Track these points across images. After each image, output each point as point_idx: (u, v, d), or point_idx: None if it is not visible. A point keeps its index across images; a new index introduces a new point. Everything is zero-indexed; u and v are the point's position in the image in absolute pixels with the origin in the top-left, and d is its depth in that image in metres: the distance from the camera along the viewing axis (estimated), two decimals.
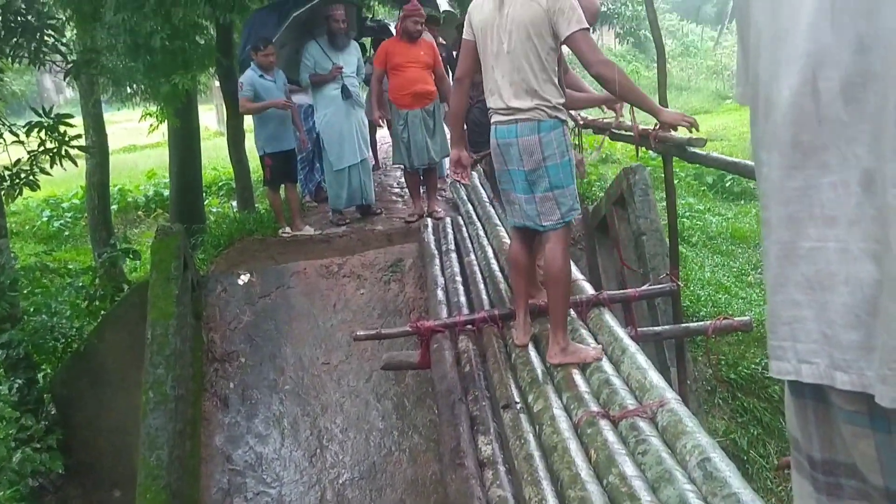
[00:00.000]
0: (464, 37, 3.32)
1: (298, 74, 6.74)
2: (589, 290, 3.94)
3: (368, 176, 6.99)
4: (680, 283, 4.15)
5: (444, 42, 8.04)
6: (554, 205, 3.19)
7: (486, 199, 6.00)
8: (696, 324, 4.23)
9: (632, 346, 3.26)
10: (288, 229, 6.87)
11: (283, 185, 6.93)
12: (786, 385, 1.25)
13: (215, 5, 7.21)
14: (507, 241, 4.97)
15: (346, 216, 7.12)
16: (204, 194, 11.31)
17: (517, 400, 3.06)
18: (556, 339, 3.23)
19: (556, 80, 3.14)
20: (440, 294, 4.50)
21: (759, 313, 6.80)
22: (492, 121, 3.27)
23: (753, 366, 6.37)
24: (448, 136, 4.83)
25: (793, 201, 1.12)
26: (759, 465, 5.72)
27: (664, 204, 6.96)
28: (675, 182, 4.34)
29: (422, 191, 6.78)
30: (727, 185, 10.94)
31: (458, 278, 4.67)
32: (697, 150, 3.34)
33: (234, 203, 10.43)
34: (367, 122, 6.89)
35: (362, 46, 7.90)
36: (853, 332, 1.06)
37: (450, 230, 5.71)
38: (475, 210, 5.97)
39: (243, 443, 5.08)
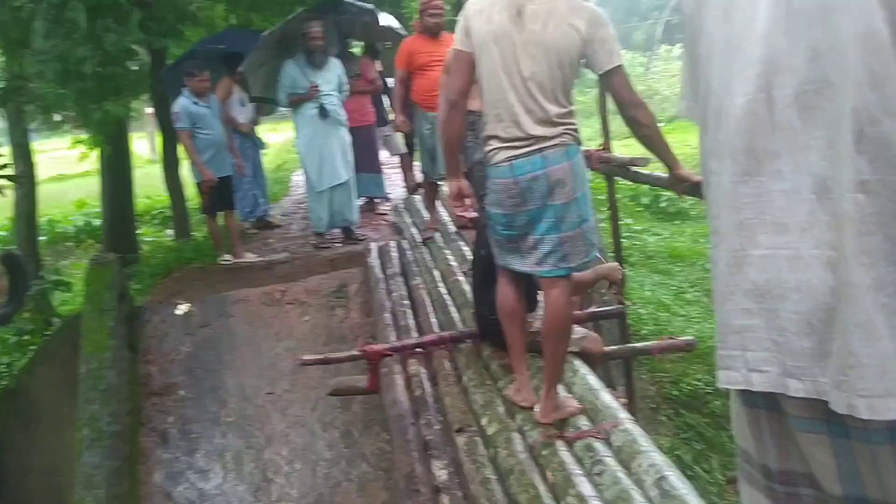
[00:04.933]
0: (457, 47, 2.82)
1: (277, 95, 6.56)
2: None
3: (353, 198, 6.77)
4: (627, 302, 4.19)
5: (381, 68, 8.03)
6: (582, 242, 2.79)
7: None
8: (641, 344, 4.28)
9: (583, 368, 3.27)
10: (228, 257, 6.73)
11: (222, 212, 6.78)
12: (734, 395, 1.25)
13: (149, 31, 7.08)
14: (455, 263, 4.96)
15: (329, 240, 6.93)
16: (137, 223, 11.00)
17: (471, 423, 3.03)
18: (550, 396, 2.89)
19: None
20: (388, 318, 4.45)
21: (699, 331, 6.92)
22: (501, 156, 2.76)
23: (695, 382, 6.47)
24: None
25: (745, 208, 1.12)
26: (705, 481, 5.78)
27: (603, 225, 7.06)
28: None
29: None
30: (662, 205, 11.19)
31: (406, 302, 4.63)
32: (640, 170, 3.39)
33: (170, 232, 10.17)
34: (349, 141, 6.67)
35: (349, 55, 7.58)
36: (805, 340, 1.07)
37: (394, 254, 5.67)
38: (420, 234, 5.95)
39: (184, 479, 4.89)
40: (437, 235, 5.70)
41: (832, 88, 1.00)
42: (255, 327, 5.69)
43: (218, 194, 6.49)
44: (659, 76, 26.59)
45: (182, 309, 5.66)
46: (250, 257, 6.79)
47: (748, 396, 1.20)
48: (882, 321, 0.97)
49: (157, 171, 10.30)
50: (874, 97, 0.95)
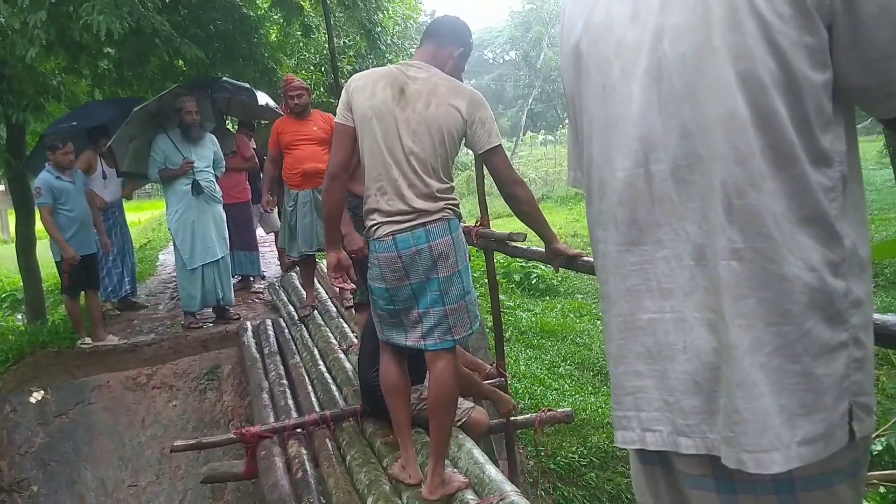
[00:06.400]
0: (339, 120, 2.83)
1: (148, 170, 6.29)
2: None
3: (227, 276, 6.54)
4: (507, 374, 4.25)
5: (255, 145, 7.98)
6: (466, 314, 2.81)
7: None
8: (522, 417, 4.32)
9: (468, 442, 3.26)
10: (88, 340, 6.31)
11: (83, 293, 6.39)
12: (632, 454, 1.28)
13: (6, 104, 6.75)
14: (335, 341, 4.88)
15: (200, 320, 6.61)
16: None
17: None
18: (437, 472, 2.83)
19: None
20: (265, 398, 4.28)
21: (573, 403, 7.11)
22: (383, 231, 2.76)
23: (571, 455, 6.59)
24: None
25: (631, 275, 1.18)
26: None
27: (481, 300, 7.17)
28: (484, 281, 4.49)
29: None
30: (533, 282, 11.56)
31: (284, 381, 4.49)
32: (519, 244, 3.50)
33: (20, 315, 9.48)
34: (224, 217, 6.51)
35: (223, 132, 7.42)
36: (694, 398, 1.12)
37: (271, 332, 5.52)
38: (297, 312, 5.84)
39: None
40: (316, 313, 5.62)
41: (703, 163, 1.09)
42: (116, 414, 5.34)
43: (80, 273, 6.13)
44: (525, 160, 27.87)
45: (35, 397, 5.24)
46: (113, 340, 6.40)
47: (645, 455, 1.24)
48: (762, 379, 1.04)
49: (7, 250, 9.64)
50: (739, 172, 1.04)
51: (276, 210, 6.82)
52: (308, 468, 3.33)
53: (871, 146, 25.25)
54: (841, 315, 1.04)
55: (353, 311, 4.81)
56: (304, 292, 6.02)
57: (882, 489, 2.81)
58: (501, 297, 10.30)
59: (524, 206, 2.91)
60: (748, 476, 1.06)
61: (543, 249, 3.17)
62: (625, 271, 1.19)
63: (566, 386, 7.90)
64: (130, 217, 8.29)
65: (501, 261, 11.12)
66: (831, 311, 1.04)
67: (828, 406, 1.03)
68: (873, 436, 2.69)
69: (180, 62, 8.35)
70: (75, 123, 6.99)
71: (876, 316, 1.36)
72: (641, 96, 1.14)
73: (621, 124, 1.18)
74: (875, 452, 3.91)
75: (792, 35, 1.00)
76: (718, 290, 1.07)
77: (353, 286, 3.25)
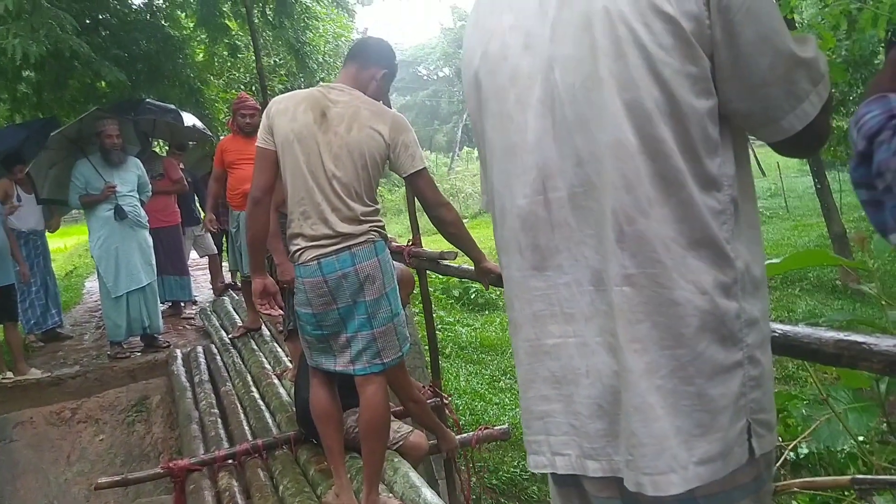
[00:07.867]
0: (260, 144, 2.77)
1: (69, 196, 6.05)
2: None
3: (154, 303, 6.29)
4: (445, 394, 4.22)
5: (184, 166, 7.81)
6: (394, 336, 2.80)
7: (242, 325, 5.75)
8: (460, 435, 4.29)
9: (404, 465, 3.22)
10: (10, 374, 6.03)
11: (2, 325, 6.12)
12: (549, 477, 1.29)
13: None
14: (269, 367, 4.78)
15: (127, 349, 6.32)
16: None
17: None
18: (371, 498, 2.81)
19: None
20: (195, 429, 4.15)
21: (513, 417, 7.13)
22: (307, 255, 2.71)
23: (512, 469, 6.60)
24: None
25: (536, 301, 1.19)
26: None
27: (418, 318, 7.15)
28: None
29: None
30: (472, 297, 11.59)
31: (215, 410, 4.37)
32: (450, 263, 3.50)
33: None
34: (151, 243, 6.29)
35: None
36: (598, 422, 1.13)
37: (202, 359, 5.38)
38: (230, 337, 5.71)
39: None
40: (250, 339, 5.50)
41: (596, 190, 1.10)
42: (40, 451, 5.13)
43: None
44: (461, 175, 28.05)
45: None
46: (35, 373, 6.12)
47: (558, 477, 1.25)
48: (658, 402, 1.04)
49: None
50: (629, 199, 1.05)
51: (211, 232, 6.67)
52: (239, 500, 3.23)
53: None
54: (735, 335, 1.05)
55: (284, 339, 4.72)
56: (236, 317, 5.91)
57: (810, 493, 2.87)
58: (441, 312, 10.34)
59: (450, 228, 2.90)
60: (653, 498, 1.06)
61: (474, 269, 3.17)
62: (530, 296, 1.20)
63: (507, 400, 7.92)
64: (56, 244, 7.96)
65: (440, 276, 11.12)
66: (724, 331, 1.05)
67: (724, 425, 1.04)
68: (797, 441, 2.76)
69: (102, 84, 8.13)
70: None
71: (785, 327, 1.38)
72: (536, 125, 1.15)
73: (519, 152, 1.18)
74: (802, 455, 4.02)
75: (674, 64, 1.01)
76: (614, 315, 1.08)
77: (281, 312, 3.18)
